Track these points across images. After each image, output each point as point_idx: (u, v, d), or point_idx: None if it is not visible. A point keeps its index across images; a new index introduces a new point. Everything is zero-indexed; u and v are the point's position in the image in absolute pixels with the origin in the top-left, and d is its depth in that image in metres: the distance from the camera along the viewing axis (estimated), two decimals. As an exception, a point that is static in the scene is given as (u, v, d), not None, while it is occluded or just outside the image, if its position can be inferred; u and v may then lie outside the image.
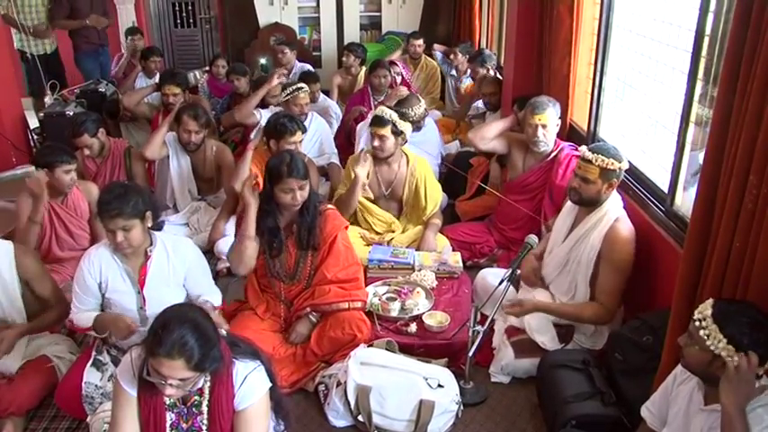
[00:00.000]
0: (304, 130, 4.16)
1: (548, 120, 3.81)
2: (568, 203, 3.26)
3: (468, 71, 6.45)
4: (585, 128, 4.17)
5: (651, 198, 3.23)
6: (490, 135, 4.16)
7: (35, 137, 5.93)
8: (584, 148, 3.15)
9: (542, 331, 3.07)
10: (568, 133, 4.29)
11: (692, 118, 2.85)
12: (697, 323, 1.90)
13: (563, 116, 4.01)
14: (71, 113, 5.56)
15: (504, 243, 4.14)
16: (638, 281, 3.05)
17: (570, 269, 3.14)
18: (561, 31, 4.20)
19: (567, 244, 3.15)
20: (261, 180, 4.19)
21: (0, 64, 5.44)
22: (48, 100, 5.84)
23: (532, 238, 3.16)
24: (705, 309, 1.90)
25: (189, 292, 2.98)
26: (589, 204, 3.08)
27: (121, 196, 2.72)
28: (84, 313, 2.90)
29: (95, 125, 4.42)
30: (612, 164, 2.98)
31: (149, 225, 2.83)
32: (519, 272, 3.20)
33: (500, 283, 3.05)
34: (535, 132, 3.83)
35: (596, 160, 2.99)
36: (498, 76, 5.76)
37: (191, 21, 8.98)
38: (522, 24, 4.74)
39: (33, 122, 5.89)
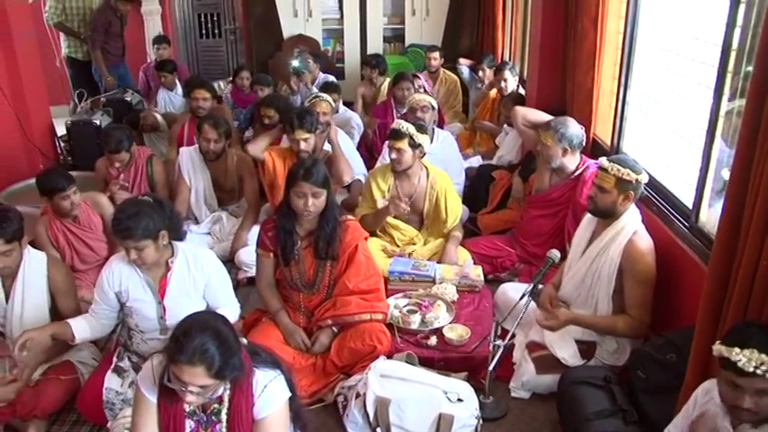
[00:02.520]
0: (309, 130, 4.17)
1: (550, 143, 3.81)
2: (586, 217, 3.25)
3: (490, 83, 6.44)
4: (609, 142, 4.15)
5: (675, 214, 3.20)
6: (531, 119, 4.16)
7: (62, 144, 6.03)
8: (602, 159, 3.14)
9: (564, 347, 3.05)
10: (591, 147, 4.27)
11: (718, 133, 2.83)
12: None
13: (586, 130, 3.99)
14: (98, 122, 5.67)
15: (525, 258, 4.12)
16: (661, 298, 3.02)
17: (590, 284, 3.12)
18: (585, 45, 4.19)
19: (586, 258, 3.13)
20: (274, 174, 4.31)
21: (29, 72, 5.53)
22: (79, 107, 5.96)
23: (554, 252, 3.15)
24: (751, 355, 1.80)
25: (209, 303, 2.99)
26: (605, 216, 3.07)
27: (132, 217, 2.69)
28: (78, 318, 2.93)
29: (130, 141, 4.48)
30: (629, 174, 2.97)
31: (165, 243, 2.81)
32: (540, 287, 3.18)
33: (521, 298, 3.04)
34: (542, 150, 3.87)
35: (612, 169, 2.99)
36: (521, 90, 5.76)
37: (216, 31, 9.08)
38: (545, 37, 4.74)
39: (61, 130, 5.99)
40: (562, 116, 3.97)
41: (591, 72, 4.18)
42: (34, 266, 3.00)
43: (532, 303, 3.12)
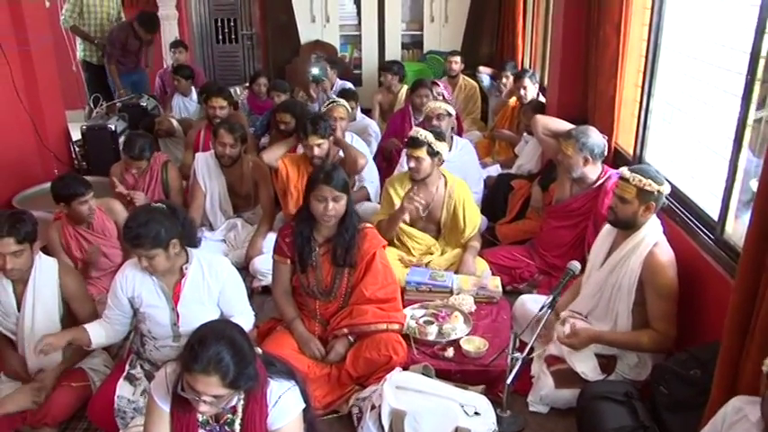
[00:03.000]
0: (323, 136, 4.19)
1: (570, 152, 3.79)
2: (606, 227, 3.22)
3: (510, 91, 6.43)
4: (631, 152, 4.12)
5: (700, 225, 3.16)
6: (552, 128, 4.13)
7: (77, 149, 6.08)
8: (623, 168, 3.12)
9: (583, 361, 3.02)
10: (613, 157, 4.24)
11: (745, 143, 2.79)
12: None
13: (608, 139, 3.96)
14: (113, 127, 5.71)
15: (545, 269, 4.10)
16: (684, 312, 2.98)
17: (609, 296, 3.08)
18: (608, 52, 4.17)
19: (605, 269, 3.10)
20: (287, 182, 4.33)
21: (45, 76, 5.58)
22: (95, 112, 6.01)
23: (575, 264, 3.12)
24: None
25: (223, 311, 2.99)
26: (626, 227, 3.04)
27: (143, 226, 2.70)
28: (95, 329, 2.95)
29: (152, 149, 4.52)
30: (650, 185, 2.95)
31: (176, 251, 2.82)
32: (560, 299, 3.15)
33: (540, 310, 3.02)
34: (563, 160, 3.85)
35: (633, 180, 2.97)
36: (542, 98, 5.74)
37: (233, 37, 9.13)
38: (567, 44, 4.73)
39: (76, 134, 6.04)
40: (583, 125, 3.95)
41: (613, 80, 4.15)
42: (46, 272, 3.03)
43: (552, 315, 3.10)
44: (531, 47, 7.23)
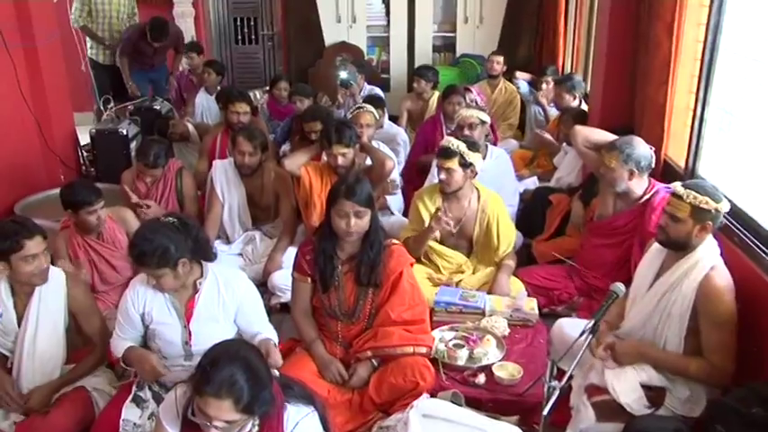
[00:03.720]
0: (348, 145, 4.22)
1: (614, 165, 3.75)
2: (654, 246, 3.16)
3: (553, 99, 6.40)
4: (683, 164, 4.07)
5: (762, 246, 3.10)
6: (594, 139, 4.10)
7: (85, 154, 6.15)
8: (676, 184, 3.05)
9: (629, 392, 2.96)
10: (662, 171, 4.19)
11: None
12: None
13: (656, 151, 3.92)
14: (124, 131, 5.77)
15: (585, 290, 4.06)
16: (744, 343, 2.91)
17: (657, 323, 3.02)
18: (658, 55, 4.12)
19: (654, 293, 3.04)
20: (309, 192, 4.35)
21: (53, 76, 5.65)
22: (105, 115, 6.09)
23: (619, 286, 3.05)
24: None
25: (242, 330, 3.00)
26: (678, 248, 2.97)
27: (149, 242, 2.71)
28: (121, 341, 2.97)
29: (167, 157, 4.58)
30: (707, 203, 2.88)
31: (186, 270, 2.83)
32: (602, 324, 3.11)
33: (580, 335, 2.96)
34: (605, 173, 3.81)
35: (688, 197, 2.90)
36: (584, 106, 5.71)
37: (252, 37, 9.23)
38: (613, 47, 4.70)
39: (85, 138, 6.11)
40: (628, 135, 3.91)
41: (664, 86, 4.10)
42: (52, 284, 3.04)
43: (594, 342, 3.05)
44: (572, 50, 7.21)
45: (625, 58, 4.63)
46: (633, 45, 4.56)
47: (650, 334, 3.06)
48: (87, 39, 7.37)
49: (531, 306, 3.74)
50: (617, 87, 4.73)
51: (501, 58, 7.16)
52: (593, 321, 2.94)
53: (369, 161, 4.58)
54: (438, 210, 3.98)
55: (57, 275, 3.08)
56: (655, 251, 3.17)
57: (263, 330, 3.02)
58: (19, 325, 3.02)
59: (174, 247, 2.73)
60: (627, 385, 2.97)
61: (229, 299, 2.94)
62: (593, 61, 5.60)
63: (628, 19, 4.58)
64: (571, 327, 3.44)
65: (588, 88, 5.95)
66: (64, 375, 3.07)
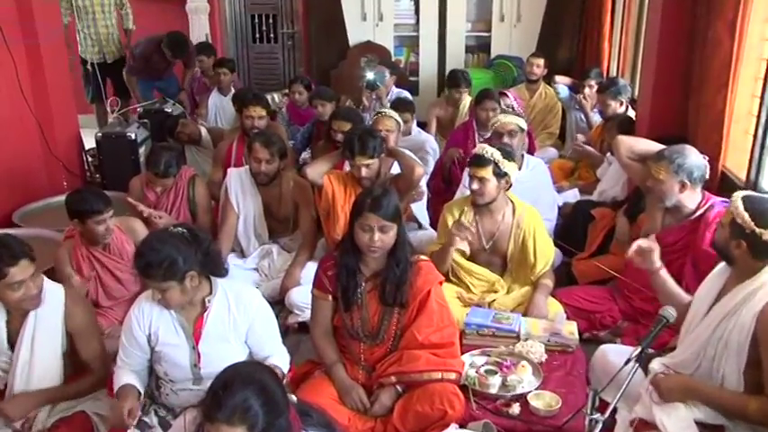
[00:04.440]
0: (372, 155, 4.23)
1: (663, 176, 3.72)
2: (719, 266, 3.11)
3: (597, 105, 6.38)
4: (743, 176, 4.04)
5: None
6: (638, 150, 4.07)
7: (90, 159, 6.22)
8: (736, 196, 2.98)
9: (680, 429, 2.92)
10: (719, 183, 4.16)
11: None
12: None
13: (713, 162, 3.88)
14: (132, 135, 5.82)
15: (631, 314, 4.03)
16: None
17: (714, 354, 2.96)
18: (717, 56, 4.09)
19: (710, 320, 2.98)
20: (332, 202, 4.37)
21: (56, 75, 5.71)
22: (111, 117, 6.17)
23: (669, 310, 3.02)
24: None
25: (252, 351, 3.02)
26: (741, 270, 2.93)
27: (156, 253, 2.72)
28: (123, 373, 2.96)
29: (179, 165, 4.63)
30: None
31: (194, 284, 2.84)
32: (651, 351, 3.08)
33: (626, 364, 2.94)
34: (653, 186, 3.78)
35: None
36: (630, 112, 5.68)
37: (271, 36, 9.29)
38: (665, 47, 4.67)
39: (90, 142, 6.17)
40: (679, 144, 3.88)
41: (723, 90, 4.07)
42: (49, 301, 3.01)
43: (640, 372, 3.01)
44: (619, 51, 7.18)
45: (678, 59, 4.61)
46: (688, 45, 4.53)
47: (706, 367, 2.99)
48: (78, 37, 7.48)
49: (570, 330, 3.71)
50: (668, 92, 4.71)
51: (541, 61, 7.16)
52: (639, 349, 2.91)
53: (396, 169, 4.58)
54: (461, 216, 3.98)
55: (55, 292, 3.05)
56: (718, 272, 3.09)
57: (274, 354, 3.03)
58: (13, 346, 3.00)
59: (182, 258, 2.74)
60: (679, 422, 2.91)
61: (240, 317, 2.95)
62: (641, 63, 5.57)
63: (682, 16, 4.55)
64: (615, 354, 3.40)
65: (636, 93, 5.92)
66: (51, 390, 3.03)
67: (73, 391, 3.09)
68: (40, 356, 3.00)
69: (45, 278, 3.08)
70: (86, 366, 3.14)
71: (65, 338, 3.06)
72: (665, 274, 3.31)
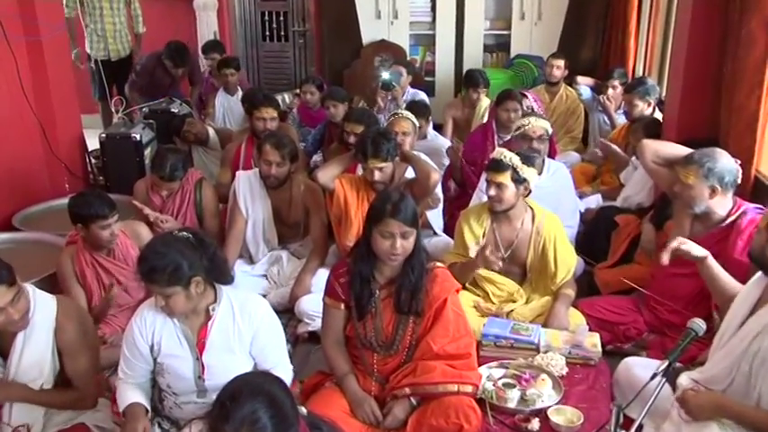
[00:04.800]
0: (386, 158, 4.25)
1: (693, 181, 3.70)
2: (755, 276, 3.08)
3: (622, 105, 6.36)
4: (779, 182, 4.02)
5: None
6: (665, 154, 4.04)
7: (93, 161, 6.24)
8: None
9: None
10: (752, 188, 4.13)
11: None
12: None
13: (745, 166, 3.86)
14: (138, 136, 5.84)
15: (657, 326, 4.00)
16: None
17: (748, 370, 2.94)
18: (752, 55, 4.06)
19: (745, 333, 2.94)
20: (344, 207, 4.39)
21: (59, 73, 5.74)
22: (116, 117, 6.19)
23: (698, 322, 2.99)
24: None
25: (255, 362, 3.01)
26: None
27: (160, 257, 2.72)
28: (127, 389, 2.95)
29: (186, 168, 4.65)
30: None
31: (200, 291, 2.84)
32: (679, 365, 3.06)
33: (652, 379, 2.92)
34: (682, 191, 3.76)
35: None
36: (657, 114, 5.66)
37: (282, 34, 9.34)
38: (695, 46, 4.64)
39: (93, 143, 6.20)
40: (709, 147, 3.86)
41: (757, 90, 4.04)
42: (41, 313, 2.96)
43: (667, 387, 3.00)
44: (645, 50, 7.16)
45: (709, 58, 4.58)
46: (720, 43, 4.50)
47: (740, 384, 2.95)
48: (86, 33, 7.52)
49: (593, 342, 3.70)
50: (698, 93, 4.67)
51: (562, 62, 7.15)
52: (666, 363, 2.89)
53: (410, 173, 4.59)
54: (485, 247, 3.96)
55: (46, 306, 2.99)
56: (752, 283, 3.06)
57: (278, 366, 3.02)
58: (5, 360, 2.97)
59: (187, 263, 2.74)
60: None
61: (245, 326, 2.94)
62: (669, 63, 5.55)
63: (714, 13, 4.51)
64: (640, 368, 3.39)
65: (663, 94, 5.90)
66: (29, 391, 2.97)
67: (47, 399, 3.02)
68: (26, 374, 2.97)
69: (36, 290, 3.02)
70: (71, 383, 3.07)
71: (55, 357, 3.02)
72: (712, 261, 3.33)
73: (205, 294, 2.89)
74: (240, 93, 7.02)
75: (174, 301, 2.77)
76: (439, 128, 6.69)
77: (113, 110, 6.21)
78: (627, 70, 7.22)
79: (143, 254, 2.79)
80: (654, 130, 5.11)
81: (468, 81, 6.93)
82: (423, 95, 7.04)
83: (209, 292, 2.91)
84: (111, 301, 3.89)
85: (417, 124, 5.16)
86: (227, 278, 3.03)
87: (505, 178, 3.94)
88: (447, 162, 5.85)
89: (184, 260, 2.74)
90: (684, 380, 3.12)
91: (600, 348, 3.69)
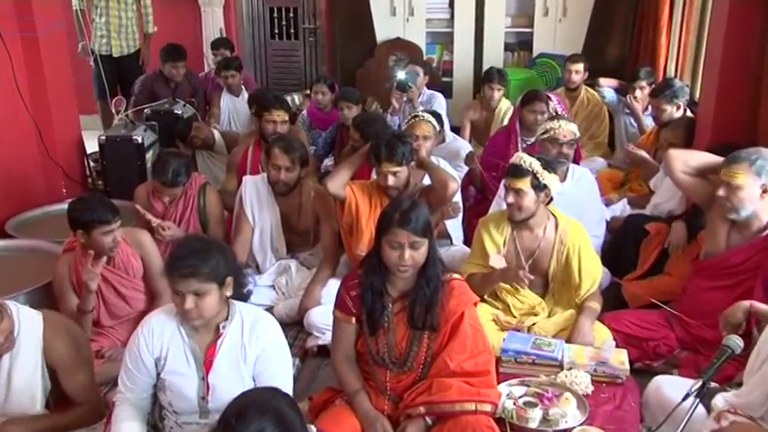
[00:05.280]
0: (401, 163, 4.24)
1: (742, 180, 3.67)
2: None
3: (649, 108, 6.34)
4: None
5: None
6: (695, 164, 4.02)
7: (92, 164, 6.26)
8: None
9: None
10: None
11: None
12: None
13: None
14: (139, 139, 5.84)
15: (690, 343, 3.99)
16: None
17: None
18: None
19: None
20: (356, 215, 4.40)
21: (56, 71, 5.75)
22: (117, 118, 6.20)
23: (734, 339, 2.99)
24: None
25: (256, 383, 2.97)
26: None
27: (200, 253, 2.74)
28: (124, 415, 2.93)
29: (189, 173, 4.65)
30: None
31: (228, 294, 2.86)
32: (713, 385, 3.04)
33: (684, 399, 2.91)
34: (727, 195, 3.72)
35: None
36: (689, 115, 5.64)
37: (291, 31, 9.34)
38: (731, 42, 4.63)
39: (92, 146, 6.20)
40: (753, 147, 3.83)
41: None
42: (26, 331, 2.95)
43: (701, 408, 2.98)
44: (678, 48, 7.13)
45: (747, 55, 4.56)
46: (759, 41, 4.48)
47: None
48: (93, 27, 7.57)
49: (620, 359, 3.66)
50: (735, 94, 4.66)
51: (581, 65, 7.07)
52: (700, 382, 2.87)
53: (427, 180, 4.58)
54: (518, 272, 3.93)
55: (32, 324, 2.98)
56: None
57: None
58: None
59: (224, 260, 2.78)
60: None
61: (251, 345, 2.93)
62: (704, 62, 5.52)
63: (752, 9, 4.50)
64: (671, 387, 3.36)
65: (697, 95, 5.87)
66: (41, 419, 2.99)
67: (56, 423, 3.04)
68: (20, 398, 2.97)
69: (20, 308, 3.01)
70: (73, 401, 3.09)
71: (46, 376, 3.01)
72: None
73: (224, 306, 2.90)
74: (245, 93, 7.05)
75: (207, 302, 2.76)
76: (457, 131, 6.68)
77: (113, 110, 6.22)
78: (657, 69, 7.21)
79: (180, 253, 2.77)
80: (688, 132, 5.11)
81: (483, 78, 6.94)
82: (440, 97, 7.01)
83: (223, 307, 2.91)
84: (94, 274, 3.78)
85: (438, 128, 5.16)
86: (244, 290, 3.03)
87: (525, 184, 3.93)
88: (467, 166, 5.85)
89: (222, 259, 2.77)
90: (720, 401, 3.10)
91: (627, 366, 3.65)
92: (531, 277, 3.93)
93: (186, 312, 2.77)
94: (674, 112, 5.68)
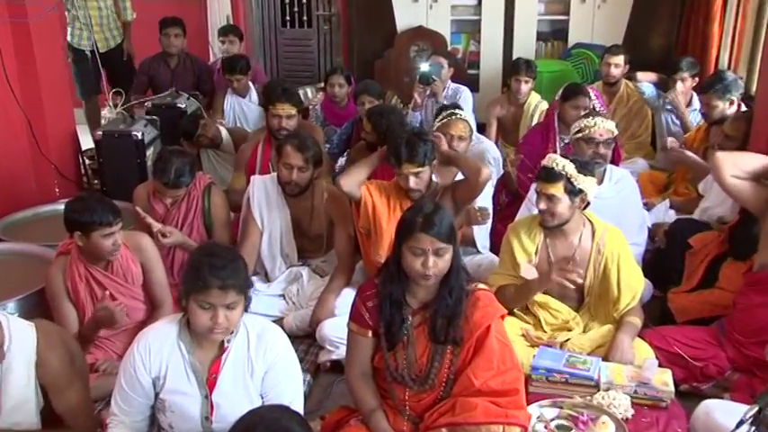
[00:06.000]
0: (422, 163, 4.23)
1: None
2: None
3: (692, 101, 6.31)
4: None
5: None
6: (747, 167, 3.97)
7: (87, 162, 6.29)
8: None
9: None
10: None
11: None
12: None
13: None
14: (139, 134, 5.85)
15: (742, 364, 3.95)
16: None
17: None
18: None
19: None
20: (373, 218, 4.40)
21: (49, 63, 5.80)
22: (106, 113, 6.21)
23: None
24: None
25: (264, 401, 2.98)
26: None
27: (233, 261, 2.77)
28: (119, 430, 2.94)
29: (193, 173, 4.66)
30: None
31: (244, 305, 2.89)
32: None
33: (738, 426, 2.89)
34: None
35: None
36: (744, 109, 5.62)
37: (305, 19, 9.38)
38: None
39: (87, 142, 6.26)
40: None
41: None
42: (18, 345, 2.91)
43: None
44: (732, 37, 7.08)
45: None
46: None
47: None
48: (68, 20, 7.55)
49: (663, 380, 3.66)
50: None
51: (621, 58, 7.03)
52: (756, 408, 2.85)
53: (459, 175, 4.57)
54: (569, 262, 3.94)
55: (25, 336, 2.95)
56: None
57: None
58: None
59: (246, 270, 2.83)
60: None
61: (258, 361, 2.94)
62: (762, 52, 5.48)
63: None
64: (723, 412, 3.34)
65: (753, 89, 5.84)
66: None
67: None
68: (14, 417, 2.98)
69: (11, 319, 3.00)
70: (63, 424, 3.08)
71: (39, 393, 3.01)
72: None
73: None
74: (253, 93, 7.08)
75: (236, 315, 2.80)
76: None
77: (111, 104, 6.24)
78: (708, 60, 7.17)
79: (217, 263, 2.74)
80: (744, 124, 5.08)
81: (510, 69, 6.94)
82: (466, 91, 7.00)
83: None
84: (106, 317, 3.79)
85: (474, 128, 5.14)
86: (247, 301, 3.02)
87: (558, 190, 3.92)
88: (493, 169, 5.82)
89: (245, 266, 2.84)
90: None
91: (672, 387, 3.64)
92: (581, 271, 3.92)
93: (216, 326, 2.77)
94: (727, 108, 5.63)
